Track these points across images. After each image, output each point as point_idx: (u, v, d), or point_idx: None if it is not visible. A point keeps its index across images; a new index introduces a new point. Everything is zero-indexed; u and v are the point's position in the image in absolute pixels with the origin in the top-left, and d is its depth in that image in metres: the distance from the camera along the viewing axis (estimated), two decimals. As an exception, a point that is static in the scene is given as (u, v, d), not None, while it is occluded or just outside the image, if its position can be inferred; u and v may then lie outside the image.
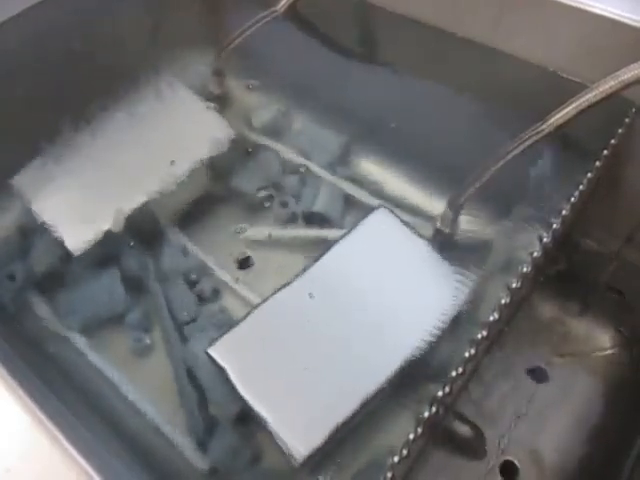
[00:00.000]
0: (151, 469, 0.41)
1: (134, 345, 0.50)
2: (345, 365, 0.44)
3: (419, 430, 0.37)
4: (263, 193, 0.58)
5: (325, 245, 0.51)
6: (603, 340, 0.60)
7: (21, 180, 0.54)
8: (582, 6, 0.49)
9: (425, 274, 0.48)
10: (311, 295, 0.47)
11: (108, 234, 0.51)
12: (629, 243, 0.56)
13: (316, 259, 0.49)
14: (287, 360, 0.44)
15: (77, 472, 0.31)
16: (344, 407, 0.42)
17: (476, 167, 0.49)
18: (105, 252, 0.52)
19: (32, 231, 0.53)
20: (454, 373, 0.39)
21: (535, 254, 0.44)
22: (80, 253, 0.50)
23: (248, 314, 0.47)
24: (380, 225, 0.51)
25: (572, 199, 0.46)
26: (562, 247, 0.57)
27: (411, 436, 0.37)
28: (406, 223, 0.51)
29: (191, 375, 0.47)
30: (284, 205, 0.58)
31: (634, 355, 0.59)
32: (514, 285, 0.42)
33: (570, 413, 0.56)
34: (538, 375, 0.58)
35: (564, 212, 0.45)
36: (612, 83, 0.44)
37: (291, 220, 0.57)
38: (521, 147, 0.48)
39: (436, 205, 0.54)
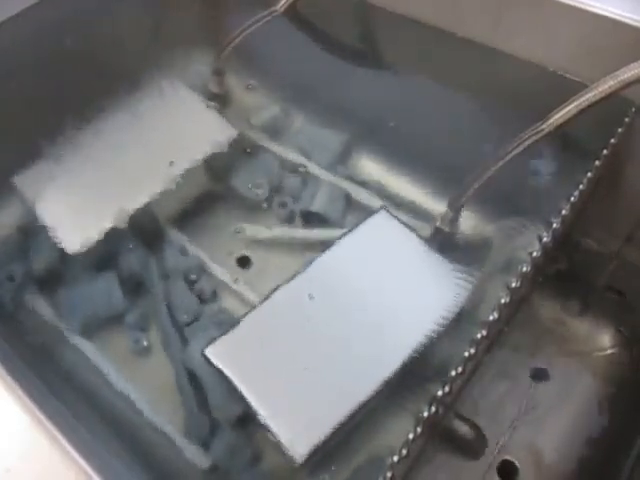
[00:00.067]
0: (151, 469, 0.41)
1: (134, 345, 0.50)
2: (345, 365, 0.44)
3: (419, 430, 0.37)
4: (263, 193, 0.58)
5: (325, 245, 0.51)
6: (603, 340, 0.60)
7: (22, 180, 0.54)
8: (582, 6, 0.49)
9: (425, 274, 0.48)
10: (310, 295, 0.47)
11: (108, 234, 0.51)
12: (629, 243, 0.56)
13: (316, 259, 0.49)
14: (286, 360, 0.44)
15: (76, 472, 0.31)
16: (344, 407, 0.42)
17: (476, 167, 0.49)
18: (105, 252, 0.52)
19: (32, 231, 0.53)
20: (454, 373, 0.39)
21: (535, 254, 0.44)
22: (78, 253, 0.50)
23: (247, 314, 0.47)
24: (380, 225, 0.51)
25: (572, 199, 0.46)
26: (562, 247, 0.57)
27: (411, 436, 0.37)
28: (406, 223, 0.51)
29: (191, 375, 0.47)
30: (284, 205, 0.58)
31: (634, 355, 0.59)
32: (514, 285, 0.42)
33: (570, 413, 0.56)
34: (538, 375, 0.58)
35: (564, 212, 0.45)
36: (612, 83, 0.44)
37: (291, 220, 0.57)
38: (521, 147, 0.48)
39: (436, 205, 0.54)
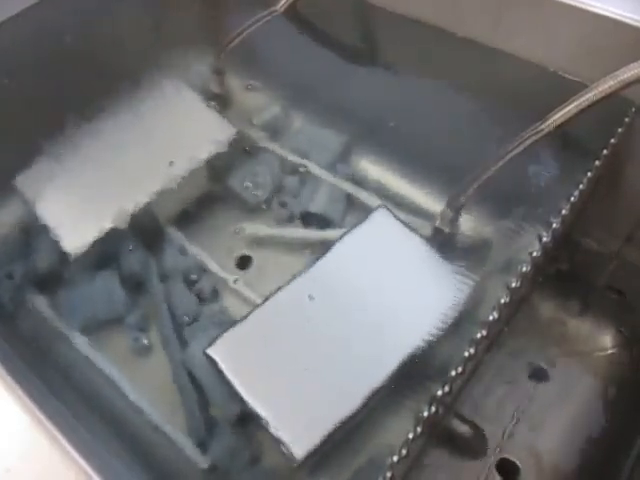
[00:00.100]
0: (151, 469, 0.41)
1: (134, 345, 0.50)
2: (344, 365, 0.44)
3: (419, 429, 0.37)
4: (262, 194, 0.58)
5: (325, 245, 0.51)
6: (603, 340, 0.60)
7: (23, 180, 0.54)
8: (582, 6, 0.49)
9: (425, 274, 0.48)
10: (311, 295, 0.47)
11: (108, 234, 0.51)
12: (629, 243, 0.56)
13: (316, 259, 0.49)
14: (286, 360, 0.44)
15: (76, 472, 0.31)
16: (343, 407, 0.42)
17: (476, 167, 0.49)
18: (105, 252, 0.52)
19: (32, 231, 0.53)
20: (454, 372, 0.39)
21: (535, 254, 0.44)
22: (78, 254, 0.50)
23: (248, 314, 0.47)
24: (380, 225, 0.51)
25: (572, 199, 0.46)
26: (562, 247, 0.57)
27: (410, 435, 0.37)
28: (406, 223, 0.51)
29: (191, 375, 0.47)
30: (284, 205, 0.58)
31: (634, 355, 0.59)
32: (514, 285, 0.42)
33: (570, 413, 0.56)
34: (538, 375, 0.58)
35: (564, 212, 0.45)
36: (612, 82, 0.44)
37: (291, 220, 0.57)
38: (521, 147, 0.48)
39: (436, 205, 0.54)
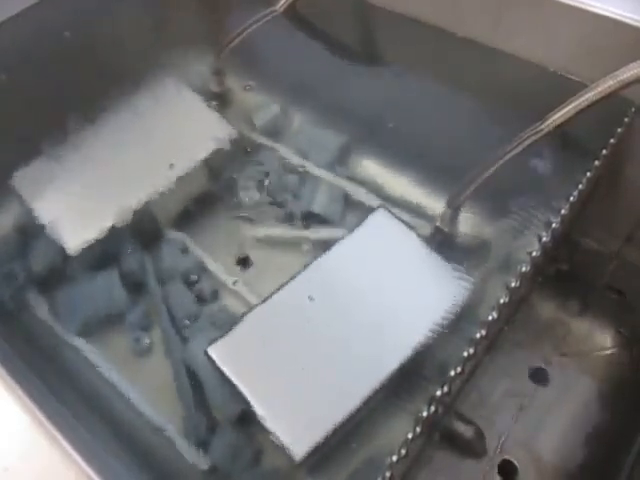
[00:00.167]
0: (150, 469, 0.41)
1: (134, 345, 0.50)
2: (344, 365, 0.44)
3: (418, 429, 0.37)
4: (262, 193, 0.58)
5: (325, 245, 0.51)
6: (603, 340, 0.60)
7: (20, 180, 0.54)
8: (582, 6, 0.49)
9: (424, 274, 0.48)
10: (310, 295, 0.47)
11: (107, 234, 0.51)
12: (629, 242, 0.56)
13: (316, 259, 0.49)
14: (286, 360, 0.44)
15: (76, 472, 0.31)
16: (343, 406, 0.42)
17: (476, 167, 0.49)
18: (105, 252, 0.52)
19: (32, 230, 0.53)
20: (453, 373, 0.39)
21: (534, 254, 0.44)
22: (77, 253, 0.50)
23: (247, 314, 0.47)
24: (380, 225, 0.51)
25: (571, 198, 0.46)
26: (562, 247, 0.57)
27: (410, 435, 0.37)
28: (406, 223, 0.51)
29: (191, 375, 0.47)
30: (283, 205, 0.58)
31: (634, 355, 0.59)
32: (513, 284, 0.42)
33: (569, 413, 0.56)
34: (538, 375, 0.58)
35: (563, 211, 0.45)
36: (611, 82, 0.44)
37: (290, 220, 0.57)
38: (520, 146, 0.48)
39: (436, 205, 0.54)
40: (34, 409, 0.33)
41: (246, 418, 0.44)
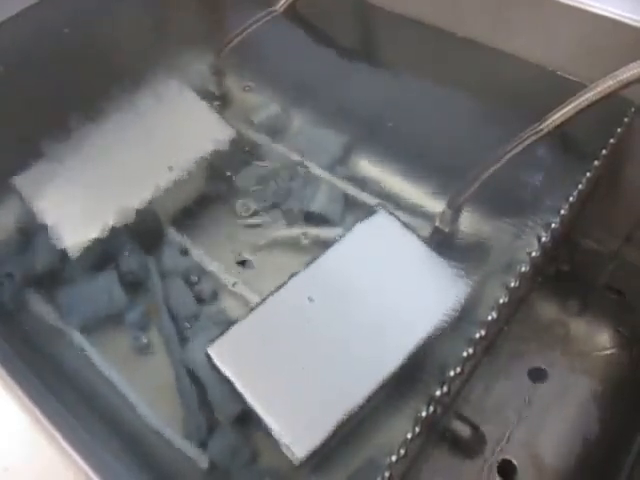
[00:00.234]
0: (150, 469, 0.41)
1: (134, 344, 0.50)
2: (344, 365, 0.44)
3: (417, 429, 0.37)
4: (262, 193, 0.58)
5: (324, 245, 0.51)
6: (602, 340, 0.60)
7: (21, 180, 0.54)
8: (582, 6, 0.49)
9: (424, 274, 0.48)
10: (310, 295, 0.47)
11: (107, 234, 0.51)
12: (628, 243, 0.56)
13: (315, 259, 0.49)
14: (286, 360, 0.44)
15: (75, 472, 0.31)
16: (343, 407, 0.42)
17: (476, 167, 0.49)
18: (104, 252, 0.52)
19: (32, 230, 0.53)
20: (452, 373, 0.39)
21: (534, 254, 0.44)
22: (78, 253, 0.50)
23: (247, 314, 0.47)
24: (379, 225, 0.51)
25: (571, 199, 0.46)
26: (561, 247, 0.57)
27: (409, 435, 0.37)
28: (405, 223, 0.51)
29: (191, 375, 0.47)
30: (283, 205, 0.58)
31: (633, 355, 0.59)
32: (512, 285, 0.42)
33: (569, 413, 0.56)
34: (537, 375, 0.58)
35: (563, 212, 0.45)
36: (611, 82, 0.44)
37: (290, 220, 0.57)
38: (520, 147, 0.48)
39: (435, 205, 0.54)
40: (34, 409, 0.34)
41: (246, 418, 0.44)
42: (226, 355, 0.45)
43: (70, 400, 0.42)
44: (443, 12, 0.56)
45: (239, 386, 0.43)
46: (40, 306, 0.51)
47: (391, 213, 0.52)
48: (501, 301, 0.41)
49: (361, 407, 0.42)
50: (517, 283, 0.42)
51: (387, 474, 0.35)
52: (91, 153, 0.56)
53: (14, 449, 0.33)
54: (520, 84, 0.54)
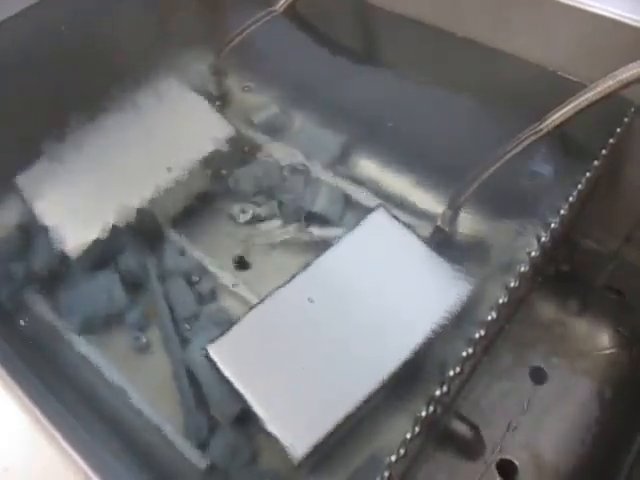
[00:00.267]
0: (150, 469, 0.41)
1: (134, 344, 0.50)
2: (344, 365, 0.44)
3: (417, 429, 0.37)
4: (262, 193, 0.58)
5: (324, 245, 0.51)
6: (602, 340, 0.60)
7: (22, 180, 0.54)
8: (582, 6, 0.49)
9: (424, 274, 0.48)
10: (310, 295, 0.47)
11: (107, 234, 0.51)
12: (628, 243, 0.56)
13: (315, 259, 0.49)
14: (286, 360, 0.44)
15: (75, 471, 0.31)
16: (342, 406, 0.42)
17: (476, 167, 0.49)
18: (104, 252, 0.52)
19: (32, 230, 0.53)
20: (452, 372, 0.39)
21: (533, 254, 0.44)
22: (78, 253, 0.50)
23: (247, 314, 0.47)
24: (379, 225, 0.51)
25: (571, 199, 0.46)
26: (561, 247, 0.57)
27: (409, 435, 0.37)
28: (405, 223, 0.51)
29: (190, 374, 0.47)
30: (283, 205, 0.58)
31: (633, 355, 0.59)
32: (512, 285, 0.42)
33: (569, 413, 0.56)
34: (537, 375, 0.58)
35: (562, 212, 0.45)
36: (611, 82, 0.44)
37: (290, 220, 0.57)
38: (520, 147, 0.48)
39: (435, 205, 0.54)
40: (34, 409, 0.34)
41: (245, 418, 0.44)
42: (226, 355, 0.45)
43: (70, 400, 0.42)
44: (443, 12, 0.56)
45: (239, 386, 0.43)
46: (40, 306, 0.51)
47: (391, 213, 0.52)
48: (501, 301, 0.41)
49: (361, 407, 0.42)
50: (517, 283, 0.42)
51: (387, 474, 0.35)
52: (91, 153, 0.56)
53: (14, 449, 0.33)
54: (520, 84, 0.54)
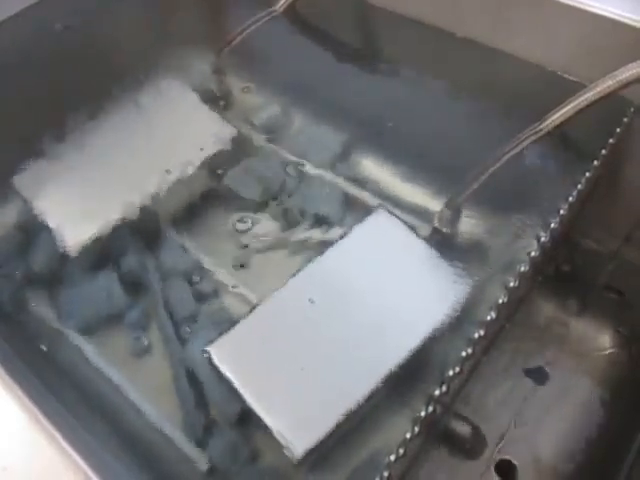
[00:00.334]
0: (149, 469, 0.41)
1: (133, 344, 0.50)
2: (343, 364, 0.44)
3: (416, 429, 0.37)
4: (262, 193, 0.58)
5: (324, 245, 0.51)
6: (602, 340, 0.60)
7: (21, 179, 0.54)
8: (582, 6, 0.49)
9: (423, 274, 0.48)
10: (310, 295, 0.47)
11: (107, 233, 0.51)
12: (628, 242, 0.56)
13: (315, 259, 0.49)
14: (286, 360, 0.44)
15: (75, 471, 0.31)
16: (342, 406, 0.42)
17: (475, 167, 0.49)
18: (104, 251, 0.52)
19: (32, 230, 0.53)
20: (452, 372, 0.39)
21: (533, 254, 0.44)
22: (78, 253, 0.50)
23: (247, 314, 0.47)
24: (379, 225, 0.51)
25: (570, 199, 0.46)
26: (561, 247, 0.57)
27: (408, 435, 0.37)
28: (405, 223, 0.51)
29: (190, 374, 0.47)
30: (283, 205, 0.58)
31: (633, 354, 0.59)
32: (512, 284, 0.42)
33: (569, 412, 0.56)
34: (537, 375, 0.58)
35: (562, 212, 0.46)
36: (610, 82, 0.44)
37: (290, 220, 0.57)
38: (520, 147, 0.48)
39: (435, 205, 0.54)
40: (33, 409, 0.34)
41: (245, 417, 0.44)
42: (226, 355, 0.45)
43: (70, 400, 0.42)
44: (443, 12, 0.56)
45: (239, 386, 0.43)
46: (40, 306, 0.51)
47: (391, 213, 0.52)
48: (500, 301, 0.42)
49: (360, 407, 0.42)
50: (517, 283, 0.42)
51: (386, 474, 0.35)
52: (91, 152, 0.56)
53: (14, 449, 0.33)
54: (520, 84, 0.54)
